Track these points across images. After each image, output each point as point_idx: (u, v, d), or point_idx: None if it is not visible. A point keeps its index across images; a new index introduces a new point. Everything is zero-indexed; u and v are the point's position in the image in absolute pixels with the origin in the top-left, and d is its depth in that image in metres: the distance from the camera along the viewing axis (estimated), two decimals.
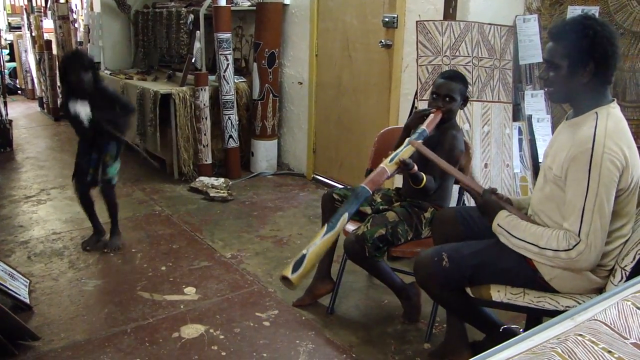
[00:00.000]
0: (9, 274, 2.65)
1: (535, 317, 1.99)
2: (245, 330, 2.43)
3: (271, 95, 4.56)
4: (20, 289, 2.62)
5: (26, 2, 7.36)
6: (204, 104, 4.31)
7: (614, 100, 1.74)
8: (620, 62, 2.55)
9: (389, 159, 2.09)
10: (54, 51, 6.64)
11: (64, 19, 6.40)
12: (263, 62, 4.47)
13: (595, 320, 1.08)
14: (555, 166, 1.73)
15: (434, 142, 2.29)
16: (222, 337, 2.38)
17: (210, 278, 2.90)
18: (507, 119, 3.05)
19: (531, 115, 3.10)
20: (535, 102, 3.11)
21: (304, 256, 1.73)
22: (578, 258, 1.64)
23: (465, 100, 2.41)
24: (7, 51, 8.50)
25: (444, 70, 2.84)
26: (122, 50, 5.63)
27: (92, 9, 5.62)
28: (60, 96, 6.60)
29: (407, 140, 2.19)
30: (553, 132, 3.01)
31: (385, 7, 3.64)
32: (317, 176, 4.51)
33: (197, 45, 4.50)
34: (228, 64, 4.35)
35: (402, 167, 2.10)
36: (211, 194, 4.05)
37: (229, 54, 4.35)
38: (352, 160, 4.12)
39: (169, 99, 4.30)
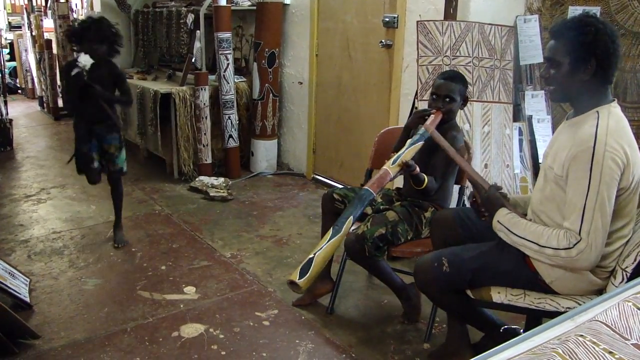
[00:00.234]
0: (9, 273, 2.65)
1: (535, 318, 1.99)
2: (245, 330, 2.43)
3: (271, 95, 4.56)
4: (20, 287, 2.62)
5: (26, 2, 7.36)
6: (204, 104, 4.31)
7: (614, 100, 1.74)
8: (621, 63, 2.55)
9: (391, 161, 2.10)
10: (54, 50, 6.64)
11: (64, 19, 6.40)
12: (263, 61, 4.47)
13: (596, 321, 1.08)
14: (556, 165, 1.73)
15: (434, 142, 2.28)
16: (221, 336, 2.38)
17: (210, 277, 2.90)
18: (508, 119, 3.05)
19: (531, 115, 3.10)
20: (536, 103, 3.12)
21: (311, 260, 1.74)
22: (578, 257, 1.63)
23: (465, 101, 2.41)
24: (8, 50, 8.51)
25: (445, 70, 2.84)
26: (123, 50, 5.58)
27: (92, 8, 5.61)
28: (60, 95, 6.60)
29: (408, 142, 2.19)
30: (553, 132, 3.01)
31: (385, 7, 3.64)
32: (317, 176, 4.51)
33: (197, 44, 4.50)
34: (228, 64, 4.35)
35: (405, 168, 2.10)
36: (211, 194, 4.05)
37: (229, 53, 4.35)
38: (352, 160, 4.12)
39: (169, 99, 4.30)
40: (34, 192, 4.21)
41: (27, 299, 2.60)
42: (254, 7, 4.51)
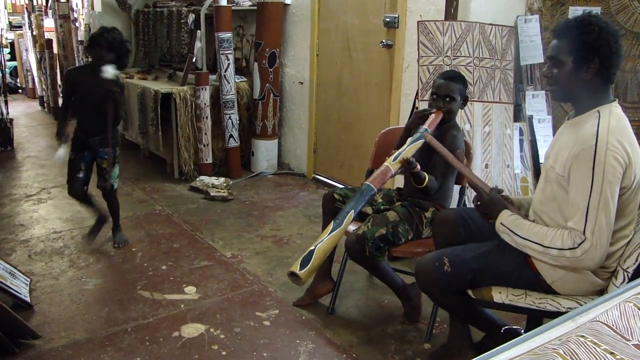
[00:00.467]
0: (9, 273, 2.65)
1: (536, 318, 1.99)
2: (245, 330, 2.43)
3: (272, 94, 4.56)
4: (21, 287, 2.62)
5: (27, 1, 7.36)
6: (205, 104, 4.31)
7: (615, 99, 1.74)
8: (622, 63, 2.55)
9: (392, 157, 2.10)
10: (55, 50, 6.64)
11: (65, 18, 6.40)
12: (264, 61, 4.46)
13: (597, 321, 1.08)
14: (558, 165, 1.73)
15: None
16: (222, 336, 2.38)
17: (210, 277, 2.90)
18: (508, 119, 3.05)
19: (532, 115, 3.10)
20: (536, 103, 3.11)
21: (311, 252, 1.74)
22: (583, 257, 1.63)
23: (465, 101, 2.41)
24: (8, 50, 8.51)
25: (445, 70, 2.84)
26: None
27: (92, 8, 5.62)
28: (60, 96, 6.60)
29: (409, 140, 2.19)
30: (554, 132, 3.01)
31: (386, 7, 3.64)
32: (317, 176, 4.51)
33: (198, 44, 4.50)
34: (229, 64, 4.35)
35: (406, 165, 2.10)
36: (211, 194, 4.05)
37: (230, 53, 4.35)
38: (353, 160, 4.12)
39: (169, 99, 4.30)
40: (35, 191, 4.21)
41: (28, 299, 2.60)
42: (255, 7, 4.51)
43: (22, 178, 4.57)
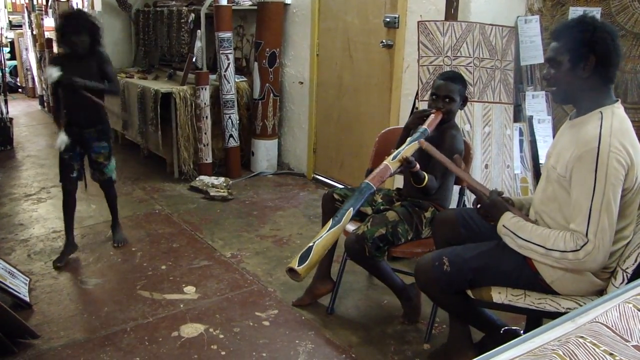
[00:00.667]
0: (9, 272, 2.65)
1: (535, 319, 1.99)
2: (244, 330, 2.43)
3: (272, 94, 4.55)
4: (20, 287, 2.62)
5: (27, 1, 7.36)
6: (205, 103, 4.31)
7: (618, 100, 1.74)
8: (622, 63, 2.55)
9: (391, 156, 2.10)
10: (55, 49, 6.63)
11: None
12: (264, 61, 4.46)
13: (597, 322, 1.08)
14: (559, 166, 1.73)
15: (434, 142, 2.28)
16: (221, 336, 2.38)
17: (210, 277, 2.90)
18: (508, 119, 3.05)
19: (532, 116, 3.09)
20: (536, 103, 3.11)
21: (310, 248, 1.74)
22: (586, 259, 1.63)
23: (464, 101, 2.42)
24: (8, 49, 8.51)
25: (445, 70, 2.84)
26: (123, 49, 5.63)
27: (93, 7, 5.62)
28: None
29: (408, 139, 2.19)
30: (554, 133, 3.01)
31: (386, 7, 3.63)
32: (317, 176, 4.51)
33: (198, 44, 4.50)
34: (229, 63, 4.35)
35: (405, 164, 2.10)
36: (211, 193, 4.05)
37: (230, 53, 4.35)
38: (353, 160, 4.12)
39: (169, 98, 4.30)
40: (34, 191, 4.21)
41: (27, 299, 2.59)
42: (255, 7, 4.51)
43: (21, 177, 4.57)
